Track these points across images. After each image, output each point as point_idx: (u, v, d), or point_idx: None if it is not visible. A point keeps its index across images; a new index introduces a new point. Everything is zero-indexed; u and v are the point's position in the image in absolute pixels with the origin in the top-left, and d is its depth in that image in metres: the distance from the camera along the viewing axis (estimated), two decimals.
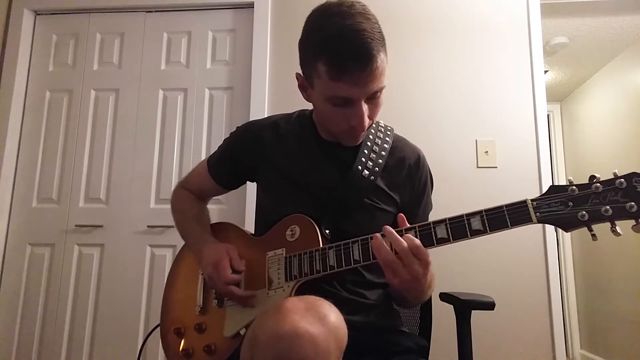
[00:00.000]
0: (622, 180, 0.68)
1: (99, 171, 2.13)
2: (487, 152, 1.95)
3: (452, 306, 1.04)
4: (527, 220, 0.72)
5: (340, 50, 0.80)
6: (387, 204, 0.97)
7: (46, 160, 2.16)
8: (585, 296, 3.59)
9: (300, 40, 0.90)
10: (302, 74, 0.92)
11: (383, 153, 0.98)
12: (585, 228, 0.70)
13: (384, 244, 0.76)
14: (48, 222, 2.10)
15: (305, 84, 0.92)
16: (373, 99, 0.86)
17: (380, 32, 0.84)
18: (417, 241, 0.75)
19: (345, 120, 0.87)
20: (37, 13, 2.28)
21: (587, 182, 0.71)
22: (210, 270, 0.92)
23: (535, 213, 0.72)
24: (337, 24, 0.81)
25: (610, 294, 3.16)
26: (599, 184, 0.69)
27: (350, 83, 0.81)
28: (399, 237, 0.76)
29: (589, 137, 3.54)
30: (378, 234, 0.78)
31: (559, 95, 3.92)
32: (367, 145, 0.98)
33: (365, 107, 0.85)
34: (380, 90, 0.85)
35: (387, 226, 0.78)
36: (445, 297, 1.08)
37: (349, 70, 0.80)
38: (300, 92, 0.96)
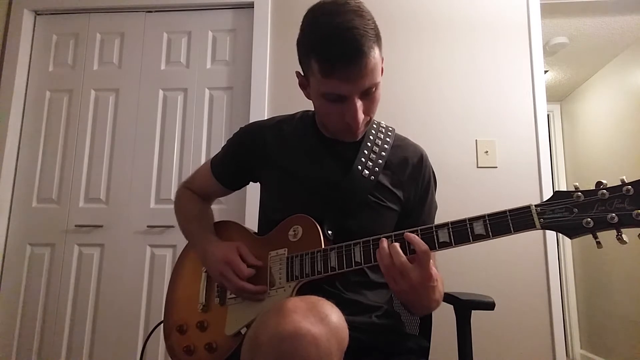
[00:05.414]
0: (630, 187, 0.66)
1: (99, 171, 2.13)
2: (487, 152, 1.95)
3: (452, 306, 1.04)
4: (530, 226, 0.71)
5: (330, 48, 0.81)
6: (391, 202, 0.97)
7: (46, 160, 2.16)
8: (585, 296, 3.59)
9: (297, 39, 0.91)
10: (301, 72, 0.93)
11: (383, 153, 0.98)
12: (590, 235, 0.69)
13: (387, 251, 0.76)
14: (48, 222, 2.10)
15: (304, 82, 0.93)
16: (368, 95, 0.86)
17: (374, 28, 0.84)
18: (403, 257, 0.75)
19: (340, 117, 0.88)
20: (37, 13, 2.28)
21: (594, 188, 0.69)
22: (223, 268, 0.91)
23: (539, 219, 0.70)
24: (328, 22, 0.82)
25: (610, 294, 3.16)
26: (605, 191, 0.68)
27: (341, 80, 0.82)
28: (398, 250, 0.76)
29: (589, 137, 3.54)
30: (385, 240, 0.78)
31: (559, 95, 3.92)
32: (367, 145, 0.98)
33: (359, 103, 0.85)
34: (374, 86, 0.85)
35: (393, 242, 0.78)
36: (445, 297, 1.07)
37: (338, 68, 0.81)
38: (301, 91, 0.96)
